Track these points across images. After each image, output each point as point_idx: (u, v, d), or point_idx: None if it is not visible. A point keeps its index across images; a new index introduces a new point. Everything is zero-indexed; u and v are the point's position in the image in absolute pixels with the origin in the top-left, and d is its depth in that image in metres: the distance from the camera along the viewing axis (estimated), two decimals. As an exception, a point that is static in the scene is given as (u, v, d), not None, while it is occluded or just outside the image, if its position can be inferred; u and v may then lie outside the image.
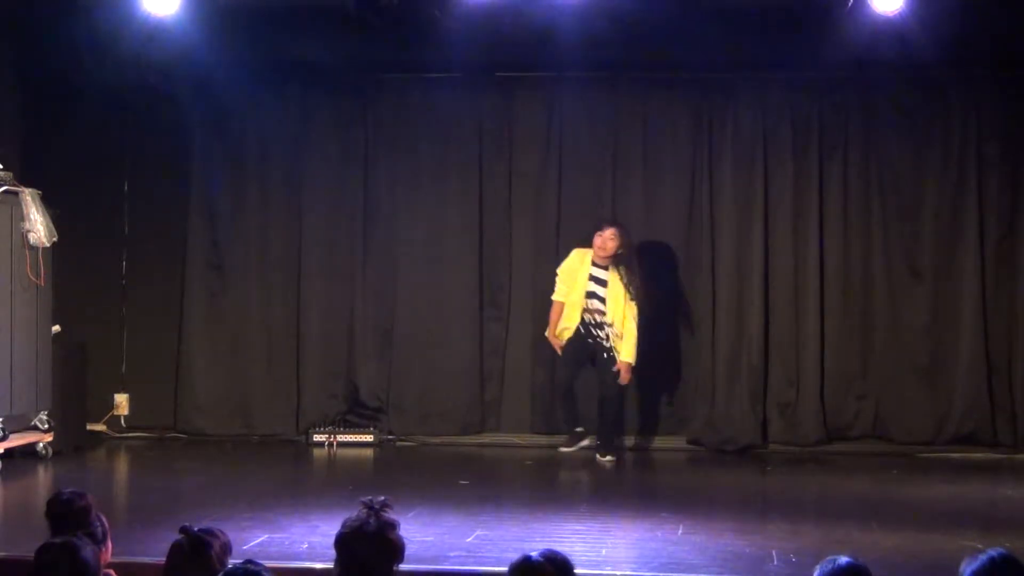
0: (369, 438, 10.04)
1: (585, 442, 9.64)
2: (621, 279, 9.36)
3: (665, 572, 5.73)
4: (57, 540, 3.81)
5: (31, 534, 5.03)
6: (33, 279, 8.97)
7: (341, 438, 10.02)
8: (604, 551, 6.19)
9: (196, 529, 3.87)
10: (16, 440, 8.84)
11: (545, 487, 8.74)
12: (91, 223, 10.25)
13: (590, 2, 8.57)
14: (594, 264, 9.43)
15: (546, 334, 9.59)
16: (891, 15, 8.42)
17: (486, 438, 10.15)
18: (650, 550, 6.19)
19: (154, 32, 8.95)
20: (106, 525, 4.37)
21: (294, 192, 10.38)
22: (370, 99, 10.37)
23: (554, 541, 6.01)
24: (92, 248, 10.31)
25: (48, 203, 9.01)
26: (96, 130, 10.33)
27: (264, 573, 3.51)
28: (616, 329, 9.34)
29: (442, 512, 7.13)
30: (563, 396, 9.71)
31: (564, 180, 10.21)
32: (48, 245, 8.99)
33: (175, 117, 10.28)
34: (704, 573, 5.72)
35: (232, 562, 3.70)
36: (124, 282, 10.55)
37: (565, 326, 9.47)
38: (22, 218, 8.85)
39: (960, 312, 9.86)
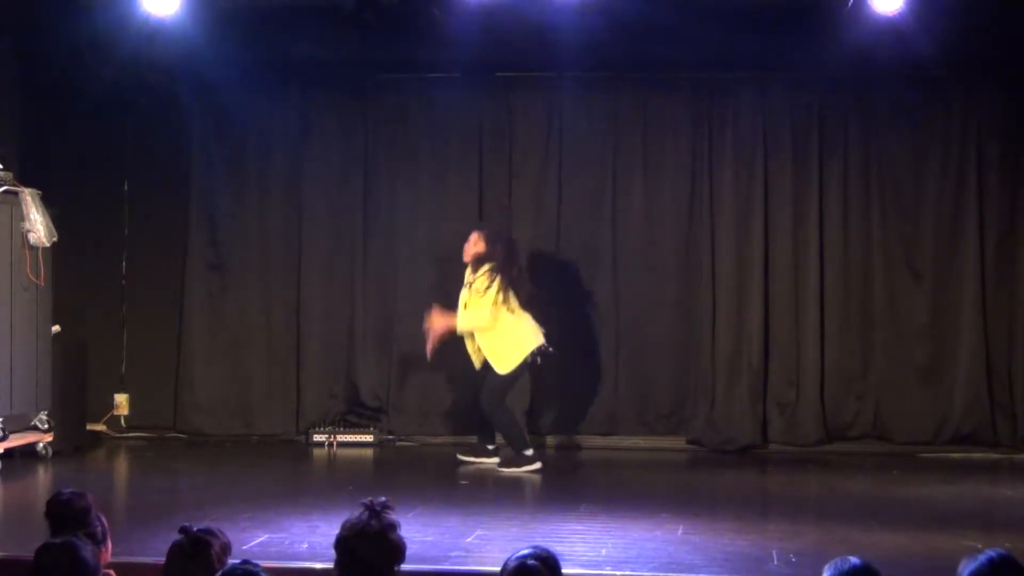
0: (369, 438, 10.04)
1: (491, 460, 9.08)
2: (471, 279, 8.91)
3: (665, 572, 5.72)
4: (57, 540, 3.82)
5: (31, 534, 5.03)
6: (33, 279, 8.96)
7: (341, 438, 10.01)
8: (604, 551, 6.17)
9: (196, 529, 3.87)
10: (16, 440, 8.83)
11: (545, 487, 8.73)
12: (91, 223, 10.25)
13: (590, 2, 8.56)
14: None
15: None
16: (891, 15, 8.42)
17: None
18: (650, 550, 6.18)
19: (154, 32, 8.95)
20: (106, 525, 4.37)
21: (294, 192, 10.38)
22: (370, 99, 10.37)
23: (554, 541, 6.02)
24: (92, 248, 10.32)
25: (48, 203, 9.01)
26: (96, 130, 10.33)
27: (261, 574, 3.50)
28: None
29: (442, 512, 7.12)
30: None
31: (564, 180, 10.20)
32: (48, 245, 8.99)
33: (175, 117, 10.28)
34: (704, 573, 5.72)
35: (231, 562, 3.69)
36: (124, 282, 10.55)
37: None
38: (22, 218, 8.84)
39: (960, 312, 9.86)
